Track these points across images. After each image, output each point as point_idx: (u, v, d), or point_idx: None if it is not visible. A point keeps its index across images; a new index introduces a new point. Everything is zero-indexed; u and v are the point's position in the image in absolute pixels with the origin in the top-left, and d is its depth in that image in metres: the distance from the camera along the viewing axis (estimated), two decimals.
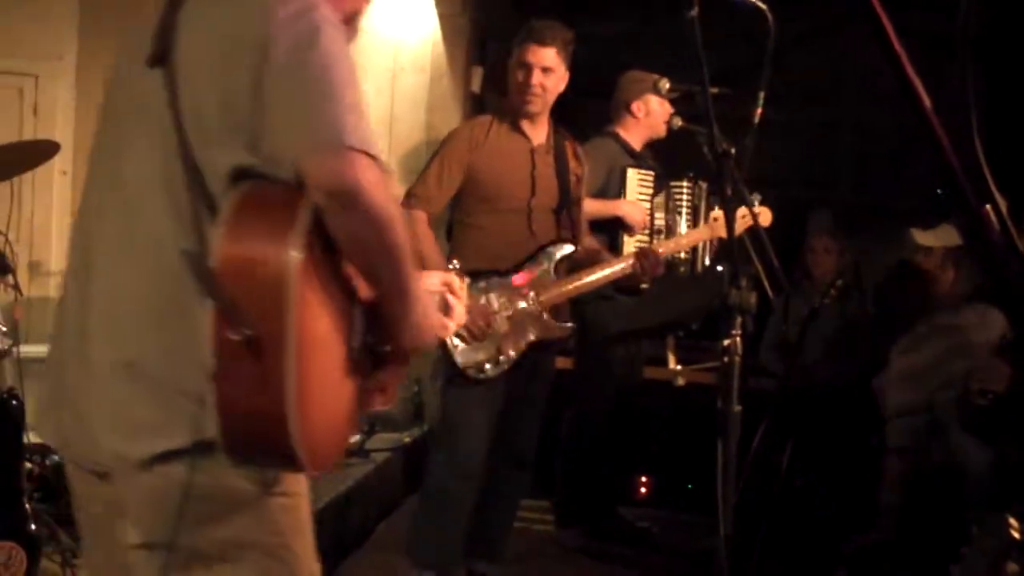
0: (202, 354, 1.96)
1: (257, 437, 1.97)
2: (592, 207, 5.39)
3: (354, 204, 1.98)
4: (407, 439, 6.60)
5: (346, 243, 2.05)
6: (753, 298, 2.45)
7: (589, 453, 5.79)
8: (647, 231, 5.59)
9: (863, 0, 1.01)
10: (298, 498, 2.25)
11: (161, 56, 2.11)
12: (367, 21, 7.34)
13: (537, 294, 4.58)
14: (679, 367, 6.46)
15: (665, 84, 5.35)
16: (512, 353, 4.52)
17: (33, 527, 3.95)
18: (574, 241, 4.74)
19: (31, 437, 4.10)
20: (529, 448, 4.89)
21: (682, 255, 5.62)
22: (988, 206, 1.02)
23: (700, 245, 5.56)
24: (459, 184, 4.63)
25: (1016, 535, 2.84)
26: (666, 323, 5.41)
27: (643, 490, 6.62)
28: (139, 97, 2.17)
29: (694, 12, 2.36)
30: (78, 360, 2.18)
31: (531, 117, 4.72)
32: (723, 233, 4.97)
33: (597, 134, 5.74)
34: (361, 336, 2.21)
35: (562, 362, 6.28)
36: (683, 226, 5.64)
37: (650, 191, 5.61)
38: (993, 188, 1.01)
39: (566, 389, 5.88)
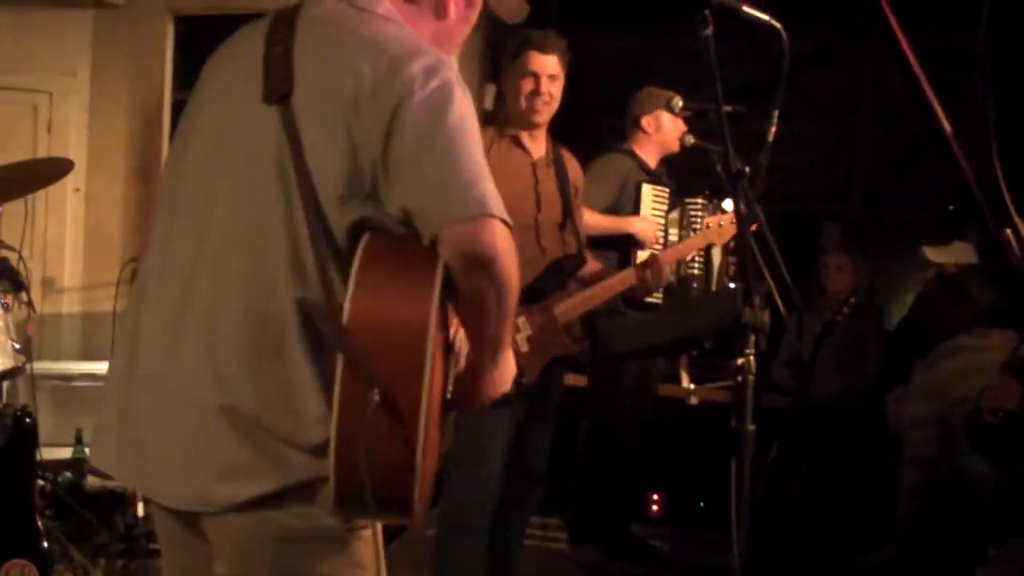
0: (299, 402, 2.02)
1: (378, 489, 1.97)
2: (604, 223, 5.38)
3: (488, 268, 2.02)
4: None
5: (470, 302, 2.10)
6: (767, 316, 2.44)
7: (603, 470, 5.77)
8: (659, 247, 5.57)
9: (887, 30, 1.01)
10: (374, 529, 2.27)
11: (281, 94, 2.10)
12: None
13: (553, 311, 4.56)
14: (692, 385, 6.45)
15: (679, 102, 5.33)
16: (532, 373, 4.50)
17: (45, 544, 3.95)
18: (581, 254, 4.73)
19: (43, 454, 4.10)
20: (542, 463, 4.86)
21: (696, 271, 5.62)
22: (1008, 230, 1.01)
23: (716, 263, 5.55)
24: None
25: None
26: (679, 341, 5.38)
27: (656, 507, 6.61)
28: (247, 132, 2.14)
29: (709, 31, 2.36)
30: (158, 393, 2.16)
31: (535, 128, 4.67)
32: (717, 239, 4.99)
33: (611, 150, 5.74)
34: (450, 388, 2.29)
35: (576, 379, 6.28)
36: None
37: (665, 207, 5.60)
38: (1013, 212, 1.00)
39: (580, 405, 5.87)
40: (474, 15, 2.45)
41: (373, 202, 2.05)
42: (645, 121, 5.67)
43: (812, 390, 5.83)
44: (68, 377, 5.47)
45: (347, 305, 1.96)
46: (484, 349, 2.23)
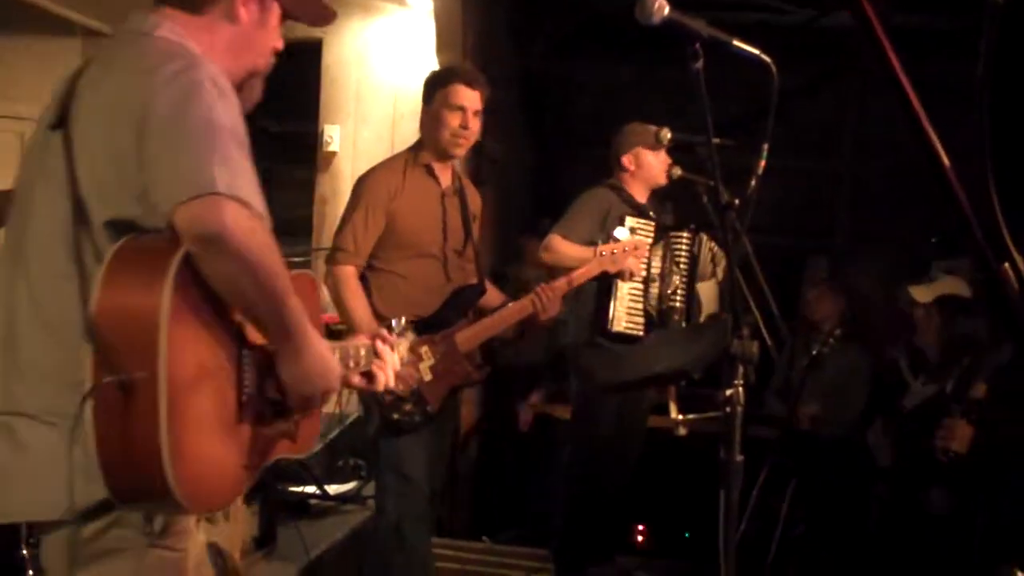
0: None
1: (136, 477, 2.01)
2: (586, 255, 5.38)
3: (220, 247, 2.03)
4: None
5: (219, 286, 2.10)
6: (755, 347, 2.45)
7: (587, 502, 5.76)
8: (641, 279, 5.57)
9: (884, 64, 1.02)
10: (182, 555, 2.30)
11: (61, 120, 2.22)
12: (367, 68, 7.36)
13: (455, 340, 4.58)
14: (681, 416, 6.45)
15: (667, 134, 5.35)
16: (436, 401, 4.52)
17: (31, 574, 3.93)
18: (482, 283, 4.75)
19: None
20: (439, 486, 4.89)
21: (678, 304, 5.62)
22: (1007, 264, 1.02)
23: (700, 296, 5.57)
24: (381, 232, 4.55)
25: None
26: (668, 373, 5.39)
27: (641, 539, 6.60)
28: (42, 160, 2.26)
29: (699, 64, 2.38)
30: None
31: (451, 159, 4.70)
32: (610, 267, 4.98)
33: (598, 184, 5.75)
34: (255, 383, 2.25)
35: (561, 411, 6.30)
36: (678, 273, 5.63)
37: (648, 240, 5.60)
38: (1011, 246, 1.01)
39: (564, 438, 5.88)
40: (273, 19, 2.52)
41: (142, 204, 2.12)
42: (625, 159, 5.66)
43: (799, 419, 5.85)
44: None
45: (92, 297, 2.02)
46: (272, 337, 2.23)
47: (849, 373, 6.28)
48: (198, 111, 2.10)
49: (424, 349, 4.47)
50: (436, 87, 4.64)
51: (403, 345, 3.04)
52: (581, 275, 4.94)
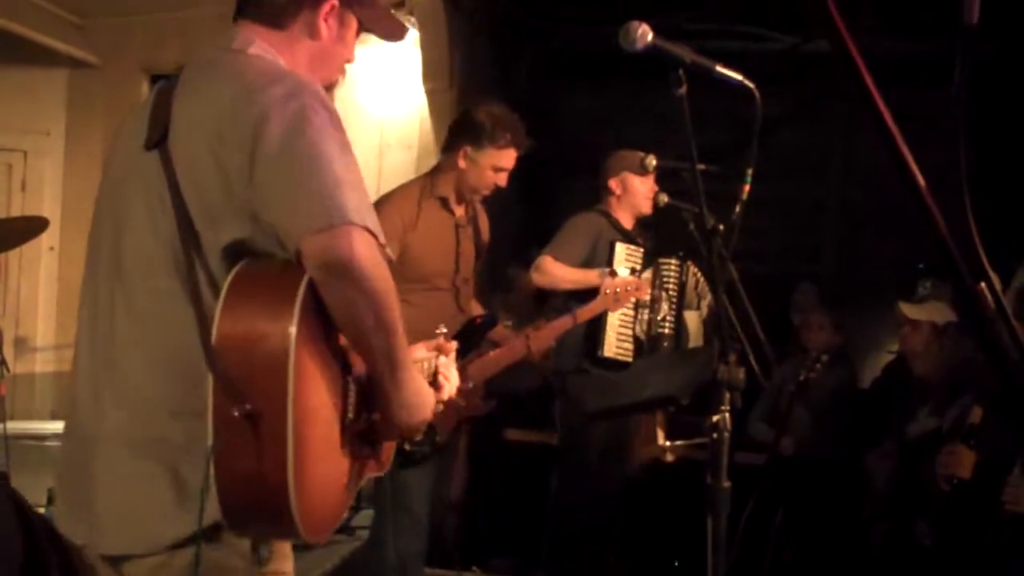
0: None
1: (258, 507, 2.01)
2: (578, 276, 5.42)
3: (346, 275, 2.03)
4: None
5: (339, 314, 2.09)
6: (742, 374, 2.46)
7: (575, 531, 5.75)
8: (631, 305, 5.59)
9: (857, 79, 1.03)
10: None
11: (158, 139, 2.19)
12: (353, 97, 7.38)
13: (466, 372, 4.52)
14: (668, 443, 6.45)
15: (652, 161, 5.37)
16: (444, 432, 4.52)
17: None
18: (492, 315, 4.78)
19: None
20: (436, 514, 4.90)
21: (666, 331, 5.63)
22: (983, 283, 1.03)
23: (690, 324, 5.59)
24: (395, 261, 4.51)
25: None
26: (656, 399, 5.39)
27: (627, 567, 6.58)
28: (138, 180, 2.23)
29: (683, 90, 2.39)
30: (87, 439, 2.22)
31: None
32: (613, 306, 5.01)
33: (589, 209, 5.77)
34: (356, 409, 2.25)
35: (548, 438, 6.28)
36: (667, 300, 5.65)
37: (638, 266, 5.62)
38: (987, 265, 1.02)
39: (551, 464, 5.87)
40: (350, 35, 2.54)
41: (255, 225, 2.11)
42: (612, 183, 5.69)
43: (787, 445, 5.85)
44: (41, 437, 5.42)
45: (215, 325, 2.01)
46: (378, 368, 2.22)
47: (835, 397, 6.28)
48: (315, 135, 2.09)
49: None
50: (489, 142, 4.53)
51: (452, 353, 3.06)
52: (586, 313, 5.05)
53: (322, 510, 2.14)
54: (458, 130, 4.64)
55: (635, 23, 2.39)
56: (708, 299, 5.77)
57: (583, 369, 5.52)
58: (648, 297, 5.62)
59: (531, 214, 8.15)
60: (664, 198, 5.46)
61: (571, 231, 5.61)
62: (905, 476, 5.03)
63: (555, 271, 5.41)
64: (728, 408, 2.42)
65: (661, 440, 6.47)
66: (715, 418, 2.41)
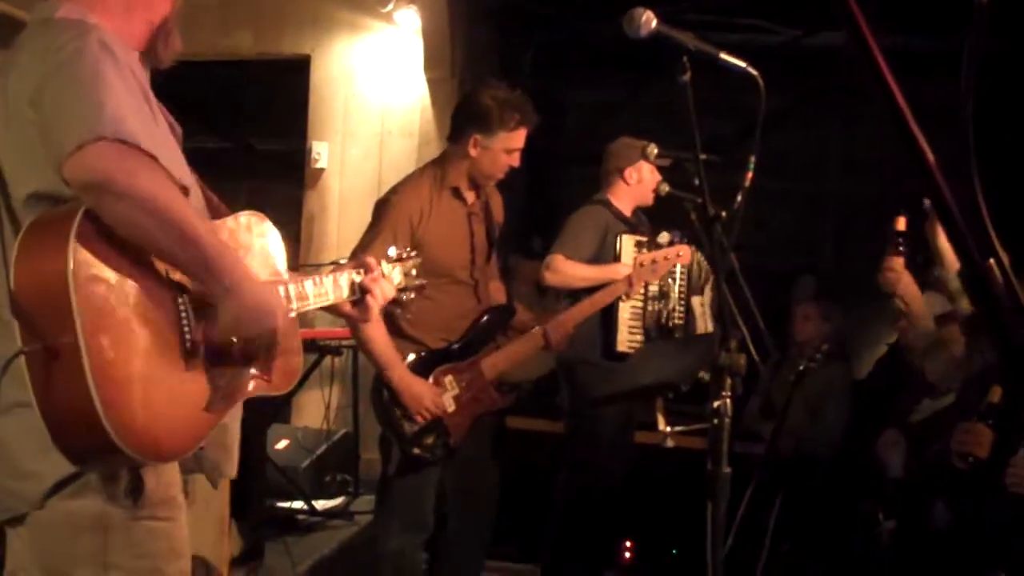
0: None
1: (81, 438, 2.04)
2: (590, 273, 5.36)
3: (106, 191, 2.04)
4: None
5: (124, 233, 2.09)
6: (743, 360, 2.46)
7: (581, 518, 5.75)
8: (642, 296, 5.58)
9: (863, 49, 1.03)
10: (171, 522, 2.31)
11: None
12: (354, 86, 7.32)
13: (480, 367, 4.54)
14: (668, 428, 6.46)
15: (654, 149, 5.34)
16: (459, 434, 4.46)
17: None
18: (511, 306, 4.73)
19: None
20: (492, 505, 4.84)
21: (676, 321, 5.63)
22: (991, 260, 1.03)
23: (697, 312, 5.58)
24: None
25: None
26: (656, 385, 5.40)
27: (628, 555, 6.59)
28: None
29: (686, 77, 2.39)
30: None
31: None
32: (650, 277, 4.99)
33: (589, 202, 5.74)
34: (197, 327, 2.24)
35: (554, 426, 6.29)
36: (676, 290, 5.63)
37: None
38: (996, 242, 1.03)
39: (558, 453, 5.87)
40: None
41: (56, 174, 2.12)
42: (628, 173, 5.62)
43: (784, 437, 5.84)
44: None
45: (11, 270, 2.06)
46: (197, 276, 2.21)
47: (832, 390, 6.29)
48: (83, 67, 2.11)
49: (448, 379, 4.45)
50: (500, 127, 4.39)
51: (397, 270, 3.06)
52: (593, 304, 5.07)
53: (157, 431, 2.13)
54: (464, 116, 4.48)
55: (639, 9, 2.39)
56: (711, 282, 5.75)
57: (589, 361, 5.52)
58: (658, 291, 5.62)
59: (533, 204, 8.17)
60: (666, 188, 5.45)
61: (578, 227, 5.56)
62: (917, 459, 5.01)
63: (568, 269, 5.35)
64: (729, 394, 2.43)
65: (662, 426, 6.49)
66: (716, 404, 2.41)
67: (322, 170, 7.35)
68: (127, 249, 2.10)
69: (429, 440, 4.41)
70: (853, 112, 8.64)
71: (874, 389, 6.57)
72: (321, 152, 7.33)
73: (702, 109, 2.45)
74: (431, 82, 7.22)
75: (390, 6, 7.12)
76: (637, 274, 5.04)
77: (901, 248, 4.71)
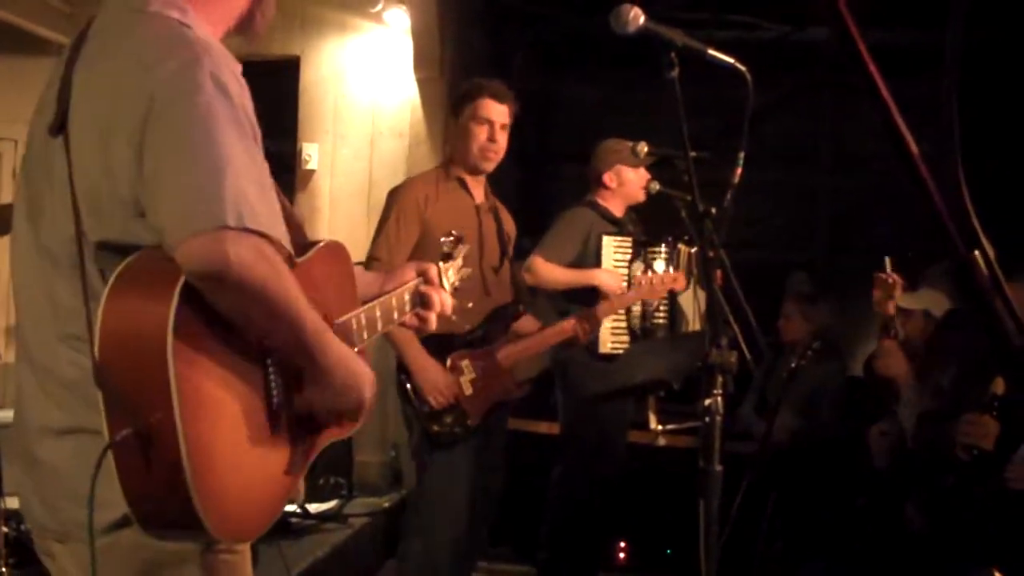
0: None
1: (168, 519, 1.96)
2: (569, 276, 5.44)
3: (222, 283, 1.93)
4: (385, 504, 6.57)
5: (232, 319, 2.00)
6: (734, 358, 2.45)
7: (574, 517, 5.75)
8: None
9: (849, 45, 1.02)
10: (241, 555, 2.27)
11: (60, 124, 2.10)
12: (344, 86, 7.33)
13: (496, 356, 4.64)
14: (660, 427, 6.46)
15: (643, 148, 5.34)
16: (477, 416, 4.53)
17: None
18: (518, 303, 4.81)
19: (6, 503, 4.06)
20: (491, 505, 4.90)
21: (660, 321, 5.63)
22: (976, 252, 1.03)
23: (686, 307, 5.60)
24: (416, 241, 4.54)
25: None
26: (648, 383, 5.40)
27: (623, 555, 6.59)
28: (47, 166, 2.14)
29: (675, 72, 2.38)
30: (30, 427, 2.19)
31: (481, 174, 4.72)
32: (650, 295, 5.11)
33: (576, 203, 5.76)
34: (283, 390, 2.17)
35: (548, 426, 6.29)
36: None
37: (627, 256, 5.61)
38: (981, 234, 1.02)
39: (552, 452, 5.87)
40: None
41: (137, 222, 2.02)
42: (606, 177, 5.68)
43: (777, 434, 5.83)
44: None
45: (96, 338, 1.93)
46: (296, 359, 2.15)
47: (825, 387, 6.28)
48: (196, 118, 1.96)
49: (465, 363, 4.56)
50: (464, 101, 4.66)
51: (452, 270, 3.04)
52: (625, 301, 5.26)
53: (245, 508, 2.08)
54: (451, 109, 4.81)
55: (627, 6, 2.38)
56: (698, 277, 5.77)
57: (583, 360, 5.54)
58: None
59: (524, 203, 8.16)
60: (656, 186, 5.46)
61: (561, 230, 5.60)
62: (903, 454, 5.00)
63: (546, 273, 5.41)
64: (720, 392, 2.42)
65: (653, 424, 6.49)
66: (707, 401, 2.40)
67: (312, 171, 7.33)
68: (221, 319, 2.01)
69: (448, 419, 4.52)
70: (843, 107, 8.67)
71: (868, 385, 6.56)
72: (311, 153, 7.32)
73: (693, 106, 2.44)
74: (421, 82, 7.21)
75: (379, 6, 7.11)
76: (636, 292, 5.24)
77: (894, 333, 4.70)
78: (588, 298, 5.52)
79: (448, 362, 4.51)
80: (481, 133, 4.60)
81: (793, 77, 8.06)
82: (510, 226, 4.91)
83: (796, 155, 8.93)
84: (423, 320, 2.81)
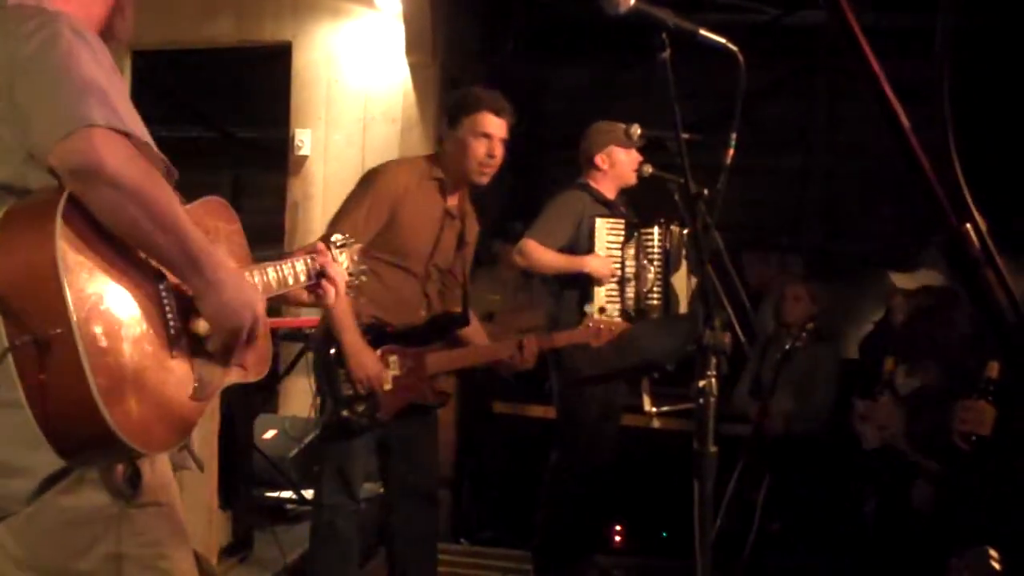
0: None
1: (79, 433, 1.99)
2: (560, 262, 5.45)
3: (97, 178, 2.00)
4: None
5: (109, 221, 2.06)
6: (727, 338, 2.45)
7: (569, 500, 5.76)
8: (616, 280, 5.61)
9: (840, 18, 1.02)
10: (169, 507, 2.30)
11: None
12: (336, 71, 7.31)
13: (425, 360, 4.60)
14: (654, 409, 6.47)
15: (636, 130, 5.33)
16: (388, 411, 4.51)
17: None
18: (466, 315, 4.75)
19: None
20: (431, 482, 4.86)
21: (653, 302, 5.63)
22: (968, 224, 1.02)
23: (679, 288, 5.61)
24: (381, 226, 4.47)
25: (997, 566, 2.83)
26: (642, 365, 5.41)
27: (619, 538, 6.61)
28: None
29: (666, 54, 2.38)
30: None
31: (475, 186, 4.68)
32: (594, 341, 5.01)
33: (569, 186, 5.76)
34: (179, 316, 2.21)
35: (544, 410, 6.29)
36: (652, 271, 5.65)
37: (620, 239, 5.61)
38: (972, 207, 1.02)
39: (544, 437, 5.88)
40: None
41: (25, 165, 2.10)
42: (599, 159, 5.67)
43: (772, 416, 5.85)
44: None
45: None
46: (177, 269, 2.18)
47: (818, 369, 6.30)
48: (59, 54, 2.08)
49: (393, 358, 4.53)
50: (462, 113, 4.57)
51: (344, 255, 3.05)
52: (562, 340, 5.10)
53: (155, 421, 2.11)
54: (445, 115, 4.70)
55: None
56: (686, 256, 5.78)
57: (578, 343, 5.55)
58: (633, 272, 5.63)
59: (517, 187, 8.16)
60: (648, 169, 5.46)
61: (554, 213, 5.60)
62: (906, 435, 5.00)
63: (538, 255, 5.41)
64: (714, 373, 2.41)
65: (648, 406, 6.50)
66: (701, 383, 2.40)
67: (305, 157, 7.32)
68: (110, 236, 2.07)
69: (360, 407, 4.47)
70: (836, 88, 8.67)
71: (862, 367, 6.58)
72: (304, 139, 7.31)
73: (686, 89, 2.44)
74: (413, 67, 7.20)
75: None
76: (583, 332, 5.10)
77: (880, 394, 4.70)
78: (580, 283, 5.54)
79: (378, 352, 4.49)
80: (480, 148, 4.53)
81: (786, 60, 8.07)
82: (472, 234, 4.85)
83: (789, 139, 8.93)
84: (322, 292, 2.81)
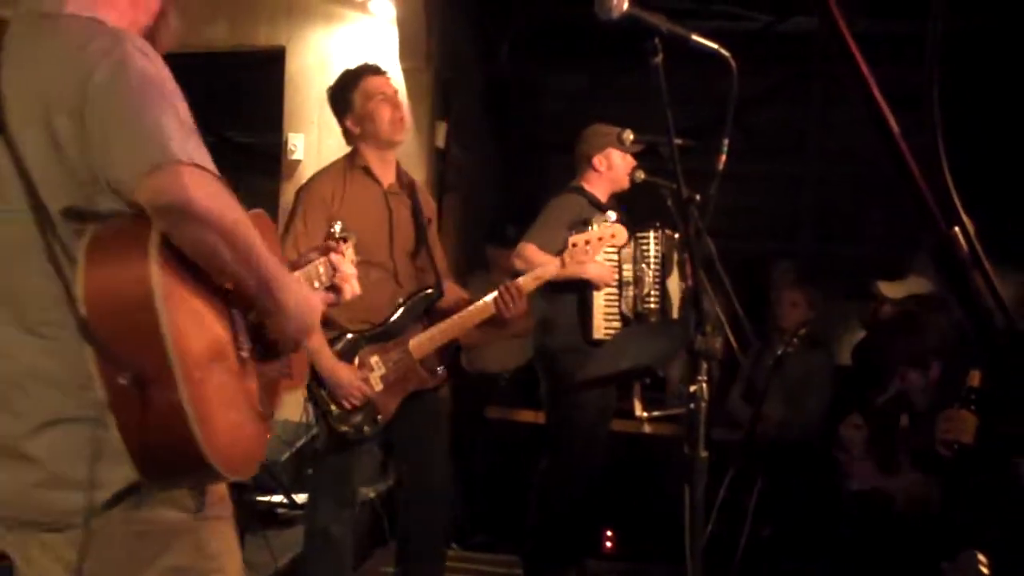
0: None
1: (173, 463, 2.03)
2: (557, 263, 5.42)
3: (184, 215, 2.02)
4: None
5: (194, 255, 2.08)
6: (719, 344, 2.46)
7: (560, 506, 5.76)
8: (616, 284, 5.62)
9: (830, 25, 1.03)
10: (227, 521, 2.34)
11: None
12: (329, 76, 7.33)
13: (408, 347, 4.57)
14: (646, 414, 6.47)
15: (629, 136, 5.36)
16: (388, 411, 4.52)
17: None
18: (438, 287, 4.70)
19: None
20: (444, 480, 4.86)
21: (652, 305, 5.64)
22: (956, 228, 1.03)
23: (675, 296, 5.61)
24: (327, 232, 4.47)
25: (985, 571, 2.84)
26: (633, 369, 5.41)
27: (609, 544, 6.61)
28: None
29: (658, 59, 2.38)
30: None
31: (392, 149, 4.69)
32: (583, 258, 4.89)
33: (563, 189, 5.76)
34: (247, 336, 2.28)
35: (536, 415, 6.29)
36: (651, 275, 5.66)
37: (621, 231, 5.60)
38: (960, 210, 1.02)
39: (534, 442, 5.88)
40: None
41: (92, 187, 2.10)
42: (596, 160, 5.69)
43: (764, 421, 5.85)
44: None
45: (79, 295, 2.00)
46: (252, 293, 2.22)
47: (811, 375, 6.30)
48: (134, 82, 2.08)
49: (374, 359, 4.52)
50: (347, 91, 4.67)
51: (349, 250, 3.05)
52: (546, 272, 4.86)
53: (238, 446, 2.16)
54: (334, 111, 4.80)
55: None
56: (678, 261, 5.78)
57: (570, 348, 5.54)
58: (631, 277, 5.64)
59: (511, 191, 8.16)
60: (641, 174, 5.47)
61: (551, 216, 5.60)
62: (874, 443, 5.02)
63: (536, 259, 5.39)
64: (705, 378, 2.42)
65: (639, 411, 6.50)
66: (692, 388, 2.41)
67: (298, 162, 7.31)
68: (193, 264, 2.10)
69: (357, 419, 4.48)
70: (829, 94, 8.69)
71: (853, 374, 6.58)
72: (297, 144, 7.29)
73: (680, 95, 2.44)
74: (407, 72, 7.19)
75: None
76: (569, 255, 4.94)
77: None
78: (579, 289, 5.54)
79: (356, 360, 4.48)
80: (384, 108, 4.59)
81: (779, 67, 8.08)
82: (430, 209, 4.85)
83: (782, 145, 8.94)
84: (339, 292, 2.82)
